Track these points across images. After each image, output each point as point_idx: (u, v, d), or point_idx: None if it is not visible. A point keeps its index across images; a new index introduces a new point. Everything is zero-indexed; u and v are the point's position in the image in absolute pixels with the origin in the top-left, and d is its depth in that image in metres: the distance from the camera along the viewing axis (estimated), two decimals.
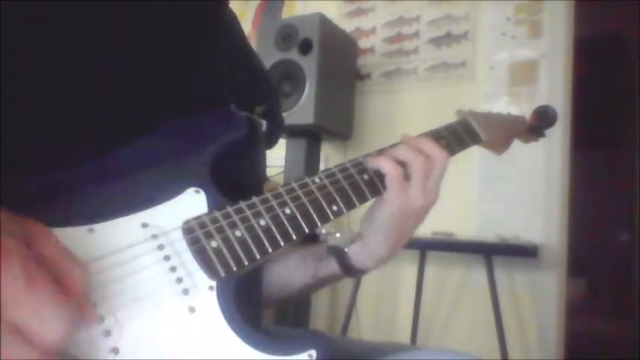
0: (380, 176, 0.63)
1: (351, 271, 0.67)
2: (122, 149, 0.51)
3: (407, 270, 2.27)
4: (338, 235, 0.66)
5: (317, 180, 0.58)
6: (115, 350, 0.42)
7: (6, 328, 0.34)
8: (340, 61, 2.32)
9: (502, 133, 0.83)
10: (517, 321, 2.12)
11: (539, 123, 0.91)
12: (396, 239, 0.65)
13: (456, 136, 0.73)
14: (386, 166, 0.62)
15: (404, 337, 2.19)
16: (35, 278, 0.35)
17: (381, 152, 0.65)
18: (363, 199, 0.61)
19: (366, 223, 0.66)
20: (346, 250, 0.66)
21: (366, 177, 0.62)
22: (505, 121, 0.86)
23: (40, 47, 0.49)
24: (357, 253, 0.66)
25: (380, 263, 0.67)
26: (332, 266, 0.68)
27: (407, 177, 0.63)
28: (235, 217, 0.51)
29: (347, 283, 2.19)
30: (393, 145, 0.66)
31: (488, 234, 2.14)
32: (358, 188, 0.61)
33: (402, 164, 0.63)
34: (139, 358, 0.43)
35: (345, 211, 0.58)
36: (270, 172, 0.75)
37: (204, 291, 0.47)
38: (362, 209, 0.65)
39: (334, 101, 2.27)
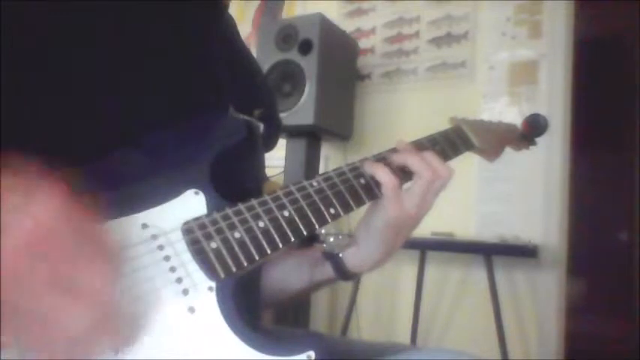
0: (376, 181, 0.63)
1: (346, 275, 0.68)
2: (122, 151, 0.51)
3: (407, 270, 2.28)
4: (332, 239, 0.67)
5: (315, 183, 0.59)
6: (116, 350, 0.42)
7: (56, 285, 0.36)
8: (340, 62, 2.32)
9: (494, 140, 0.84)
10: (517, 321, 2.12)
11: (530, 131, 0.92)
12: (391, 245, 0.67)
13: (450, 143, 0.74)
14: (382, 175, 0.63)
15: (404, 337, 2.19)
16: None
17: (378, 158, 0.66)
18: (360, 202, 0.62)
19: (362, 229, 0.67)
20: (341, 255, 0.67)
21: (362, 181, 0.62)
22: (497, 129, 0.88)
23: (39, 48, 0.50)
24: (351, 258, 0.67)
25: (374, 267, 0.68)
26: (327, 271, 0.69)
27: (401, 185, 0.64)
28: (234, 219, 0.51)
29: (347, 283, 2.20)
30: (397, 152, 0.66)
31: (488, 234, 2.14)
32: (355, 192, 0.61)
33: (408, 173, 0.64)
34: (139, 358, 0.43)
35: (342, 214, 0.59)
36: (270, 172, 0.76)
37: (204, 291, 0.48)
38: (361, 211, 0.65)
39: (334, 101, 2.27)
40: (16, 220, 0.35)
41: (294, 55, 2.16)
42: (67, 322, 0.37)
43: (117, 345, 0.42)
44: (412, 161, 0.64)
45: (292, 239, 0.54)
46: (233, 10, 0.74)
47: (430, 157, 0.66)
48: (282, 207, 0.55)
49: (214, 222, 0.50)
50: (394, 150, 0.67)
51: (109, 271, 0.39)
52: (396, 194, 0.63)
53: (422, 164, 0.64)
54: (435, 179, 0.64)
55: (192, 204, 0.51)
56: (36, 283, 0.36)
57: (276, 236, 0.53)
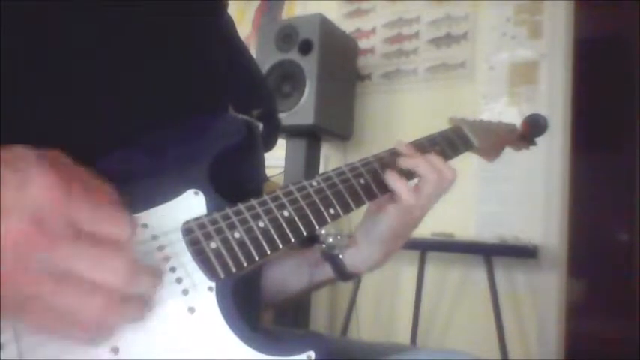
0: (377, 181, 0.63)
1: (345, 275, 0.68)
2: (122, 151, 0.51)
3: (407, 270, 2.28)
4: (331, 239, 0.67)
5: (315, 184, 0.59)
6: (115, 349, 0.42)
7: (69, 275, 0.36)
8: (340, 62, 2.32)
9: (494, 140, 0.85)
10: (517, 321, 2.12)
11: (530, 132, 0.92)
12: (391, 246, 0.67)
13: (450, 143, 0.74)
14: (401, 189, 0.63)
15: (404, 337, 2.19)
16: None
17: (379, 158, 0.66)
18: (359, 203, 0.62)
19: (363, 232, 0.67)
20: (341, 256, 0.67)
21: (362, 181, 0.63)
22: (497, 129, 0.88)
23: (39, 48, 0.50)
24: (351, 259, 0.67)
25: (374, 268, 0.69)
26: (327, 271, 0.69)
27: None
28: (234, 219, 0.51)
29: (347, 283, 2.20)
30: (402, 156, 0.66)
31: (488, 234, 2.14)
32: (355, 192, 0.61)
33: (410, 174, 0.65)
34: (139, 358, 0.43)
35: (342, 214, 0.59)
36: (270, 172, 0.76)
37: (204, 291, 0.48)
38: (361, 211, 0.65)
39: (334, 102, 2.27)
40: (20, 198, 0.35)
41: (294, 55, 2.16)
42: (69, 310, 0.37)
43: (116, 344, 0.42)
44: (417, 165, 0.65)
45: (292, 239, 0.54)
46: (233, 10, 0.74)
47: (434, 159, 0.66)
48: (281, 207, 0.55)
49: (214, 222, 0.50)
50: (394, 151, 0.67)
51: (114, 254, 0.39)
52: (410, 209, 0.63)
53: (427, 167, 0.64)
54: (441, 182, 0.64)
55: (192, 204, 0.51)
56: (33, 268, 0.35)
57: (275, 236, 0.53)
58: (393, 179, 0.63)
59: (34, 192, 0.35)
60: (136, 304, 0.41)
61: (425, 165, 0.65)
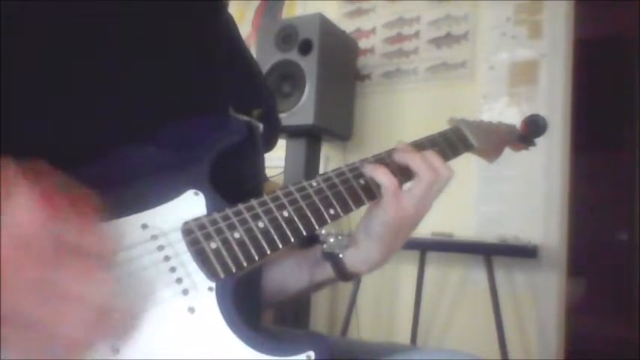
0: (376, 182, 0.63)
1: (345, 275, 0.68)
2: (122, 151, 0.51)
3: (407, 270, 2.28)
4: (332, 240, 0.67)
5: (314, 184, 0.59)
6: (115, 349, 0.43)
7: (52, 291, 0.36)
8: (340, 62, 2.32)
9: (493, 141, 0.85)
10: (517, 321, 2.12)
11: (530, 132, 0.92)
12: (390, 246, 0.67)
13: (449, 143, 0.74)
14: (382, 176, 0.63)
15: (404, 337, 2.19)
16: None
17: (378, 158, 0.66)
18: (359, 203, 0.62)
19: (361, 231, 0.67)
20: (341, 256, 0.67)
21: (362, 182, 0.62)
22: (496, 130, 0.88)
23: (39, 48, 0.50)
24: (351, 259, 0.67)
25: (374, 268, 0.68)
26: (327, 271, 0.69)
27: (401, 185, 0.64)
28: (234, 219, 0.51)
29: (347, 283, 2.20)
30: (398, 152, 0.66)
31: (488, 234, 2.14)
32: (355, 193, 0.61)
33: (408, 174, 0.64)
34: (139, 358, 0.43)
35: (341, 214, 0.59)
36: (270, 172, 0.76)
37: (204, 292, 0.48)
38: (362, 211, 0.65)
39: (334, 102, 2.27)
40: None
41: (294, 55, 2.16)
42: (56, 327, 0.36)
43: (116, 344, 0.43)
44: (413, 161, 0.64)
45: (292, 239, 0.54)
46: (233, 10, 0.74)
47: (431, 157, 0.66)
48: (281, 207, 0.55)
49: (214, 222, 0.50)
50: (394, 151, 0.67)
51: (99, 269, 0.38)
52: (395, 196, 0.63)
53: (423, 165, 0.64)
54: (437, 180, 0.64)
55: (192, 204, 0.51)
56: (18, 289, 0.35)
57: (275, 236, 0.53)
58: (371, 169, 0.63)
59: (17, 212, 0.35)
60: (120, 319, 0.41)
61: (420, 161, 0.64)
